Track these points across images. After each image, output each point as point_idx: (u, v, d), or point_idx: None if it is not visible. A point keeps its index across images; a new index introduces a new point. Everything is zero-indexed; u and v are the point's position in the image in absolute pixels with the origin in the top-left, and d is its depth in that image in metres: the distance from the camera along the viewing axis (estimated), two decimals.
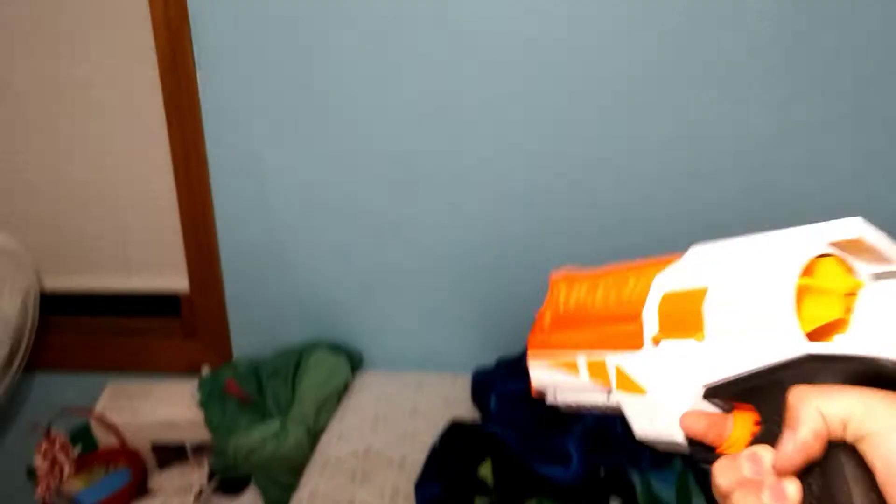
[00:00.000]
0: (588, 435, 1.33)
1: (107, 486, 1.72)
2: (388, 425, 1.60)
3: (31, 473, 1.69)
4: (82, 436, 1.82)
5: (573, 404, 0.56)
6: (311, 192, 1.71)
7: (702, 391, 0.44)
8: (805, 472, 0.37)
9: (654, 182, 1.59)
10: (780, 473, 0.37)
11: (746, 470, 0.39)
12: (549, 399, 0.59)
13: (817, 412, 0.36)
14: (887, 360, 0.37)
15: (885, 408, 0.35)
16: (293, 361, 1.75)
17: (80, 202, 1.83)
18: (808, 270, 0.41)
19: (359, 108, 1.62)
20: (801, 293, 0.40)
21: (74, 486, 1.72)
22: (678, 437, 0.45)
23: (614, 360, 0.50)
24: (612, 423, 1.39)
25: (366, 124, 1.63)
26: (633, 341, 0.49)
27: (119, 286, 1.90)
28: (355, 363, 1.82)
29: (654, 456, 1.39)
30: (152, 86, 1.67)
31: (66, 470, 1.70)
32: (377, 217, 1.72)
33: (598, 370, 0.52)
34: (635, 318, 0.48)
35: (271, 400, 1.72)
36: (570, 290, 0.58)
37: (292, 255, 1.78)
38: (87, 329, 2.00)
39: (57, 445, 1.70)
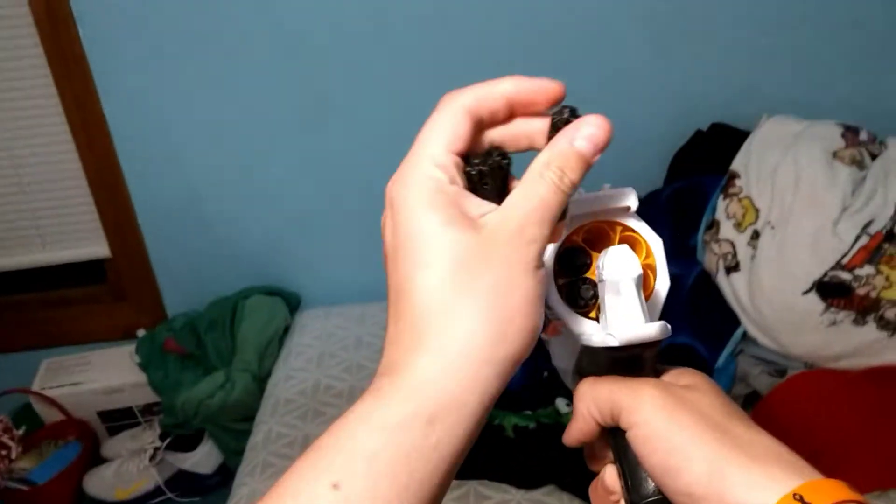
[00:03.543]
0: None
1: (58, 460, 1.70)
2: (334, 360, 1.61)
3: None
4: (25, 416, 1.78)
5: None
6: (219, 136, 1.67)
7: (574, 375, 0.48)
8: (615, 456, 0.43)
9: None
10: (567, 443, 0.44)
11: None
12: None
13: (586, 411, 0.42)
14: (625, 345, 0.40)
15: (629, 402, 0.40)
16: (229, 311, 1.73)
17: None
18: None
19: (255, 45, 1.57)
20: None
21: (25, 465, 1.70)
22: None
23: None
24: None
25: (266, 62, 1.58)
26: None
27: (36, 261, 1.83)
28: (293, 304, 1.82)
29: None
30: (36, 56, 1.59)
31: (14, 451, 1.67)
32: (291, 154, 1.69)
33: None
34: None
35: (212, 352, 1.71)
36: None
37: (211, 205, 1.74)
38: (13, 307, 1.94)
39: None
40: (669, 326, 0.40)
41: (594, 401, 0.41)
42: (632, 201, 0.42)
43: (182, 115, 1.64)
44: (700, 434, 0.38)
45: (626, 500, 0.42)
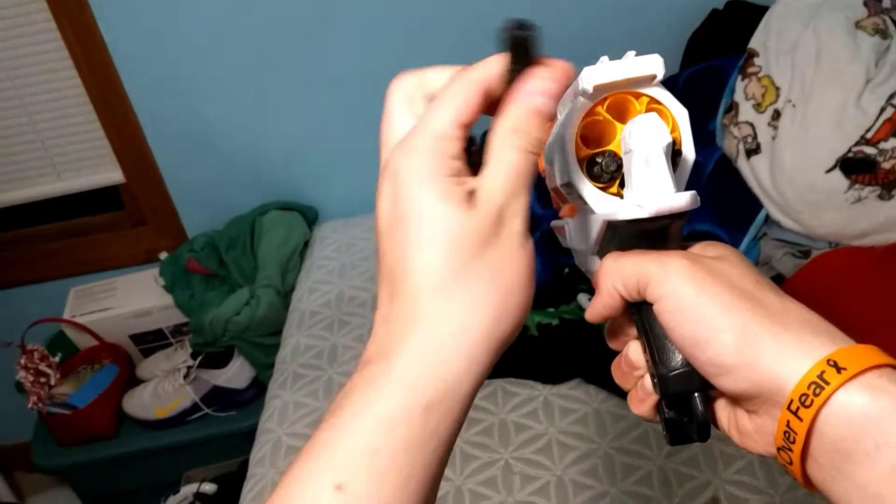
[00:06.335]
0: (546, 238, 1.35)
1: (96, 383, 1.75)
2: (355, 270, 1.62)
3: (20, 388, 1.71)
4: (60, 343, 1.82)
5: None
6: (222, 53, 1.63)
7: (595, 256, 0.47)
8: (640, 331, 0.42)
9: None
10: (590, 320, 0.43)
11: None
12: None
13: (611, 285, 0.41)
14: (654, 216, 0.39)
15: (656, 273, 0.39)
16: (247, 228, 1.74)
17: None
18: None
19: None
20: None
21: (65, 390, 1.75)
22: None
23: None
24: None
25: None
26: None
27: (53, 190, 1.83)
28: (310, 218, 1.81)
29: None
30: None
31: (53, 378, 1.71)
32: (296, 67, 1.65)
33: None
34: None
35: (235, 270, 1.72)
36: None
37: (220, 123, 1.72)
38: (36, 238, 1.96)
39: (36, 357, 1.70)
40: (699, 197, 0.39)
41: (619, 275, 0.41)
42: (658, 69, 0.40)
43: (183, 33, 1.60)
44: (730, 304, 0.37)
45: (651, 375, 0.42)
